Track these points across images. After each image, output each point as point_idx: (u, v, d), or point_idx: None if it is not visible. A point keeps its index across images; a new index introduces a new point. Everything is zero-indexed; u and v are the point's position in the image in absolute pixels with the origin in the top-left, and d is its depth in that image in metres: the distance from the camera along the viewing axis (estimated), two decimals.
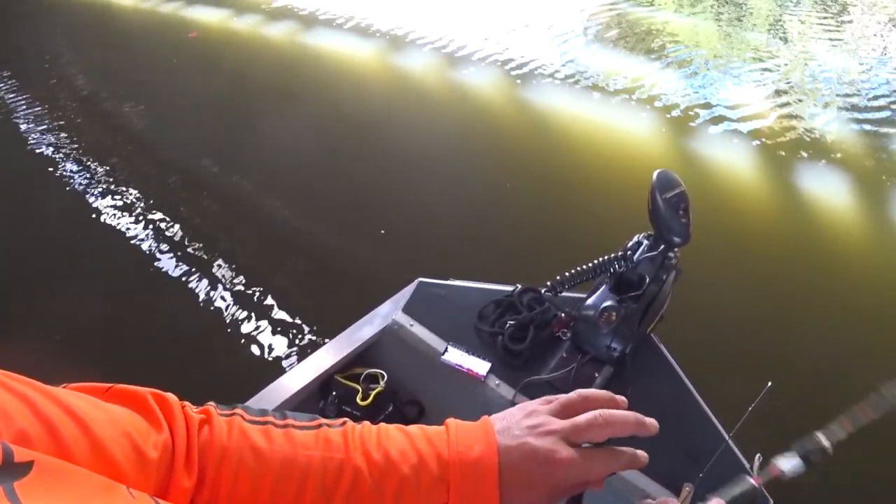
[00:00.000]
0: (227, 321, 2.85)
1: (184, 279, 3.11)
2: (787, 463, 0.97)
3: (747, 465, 1.18)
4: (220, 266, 3.18)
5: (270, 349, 2.70)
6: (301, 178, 3.97)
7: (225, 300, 2.97)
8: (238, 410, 0.55)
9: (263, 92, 5.16)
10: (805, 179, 3.64)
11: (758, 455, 1.20)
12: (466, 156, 4.04)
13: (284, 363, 2.64)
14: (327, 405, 1.28)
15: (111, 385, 0.48)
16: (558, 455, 0.51)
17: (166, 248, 3.33)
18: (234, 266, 3.18)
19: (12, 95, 5.34)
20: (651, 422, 0.55)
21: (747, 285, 2.89)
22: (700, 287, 2.56)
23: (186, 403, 0.53)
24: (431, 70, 5.22)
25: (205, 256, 3.26)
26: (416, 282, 1.48)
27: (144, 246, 3.36)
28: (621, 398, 0.56)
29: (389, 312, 1.43)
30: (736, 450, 1.18)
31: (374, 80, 5.26)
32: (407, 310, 1.40)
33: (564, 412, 0.55)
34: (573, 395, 0.56)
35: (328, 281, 3.13)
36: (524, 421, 0.55)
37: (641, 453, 0.54)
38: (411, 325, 1.38)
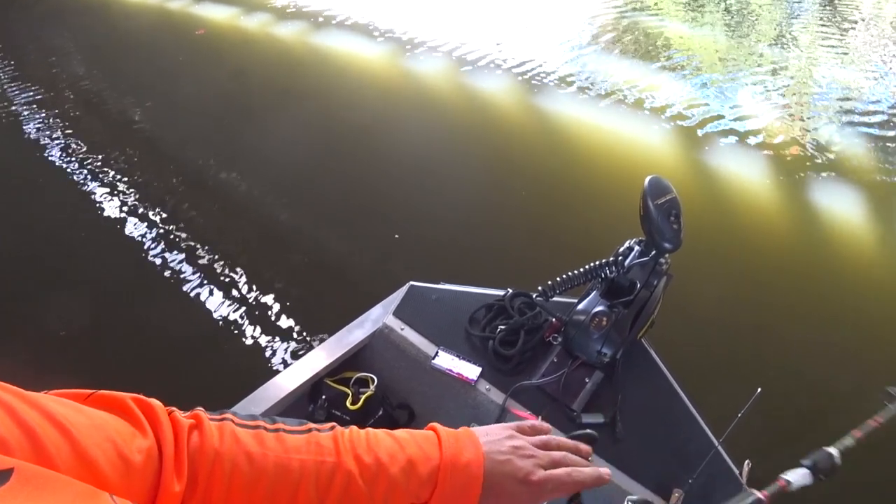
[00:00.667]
0: (225, 323, 2.84)
1: (184, 280, 3.09)
2: (794, 474, 0.97)
3: (736, 471, 1.19)
4: (220, 267, 3.17)
5: (264, 352, 2.68)
6: (305, 180, 3.96)
7: (223, 302, 2.95)
8: (228, 415, 0.55)
9: (270, 92, 5.13)
10: (806, 189, 3.65)
11: (747, 461, 1.20)
12: (468, 159, 4.03)
13: (276, 365, 2.62)
14: (317, 409, 1.27)
15: (93, 391, 0.48)
16: (535, 477, 0.57)
17: (167, 249, 3.31)
18: (233, 267, 3.16)
19: (15, 90, 5.30)
20: (605, 471, 0.60)
21: (742, 293, 2.89)
22: (694, 294, 2.56)
23: (174, 409, 0.53)
24: (440, 73, 5.23)
25: (206, 257, 3.24)
26: (407, 285, 1.47)
27: (145, 245, 3.35)
28: (585, 447, 0.64)
29: (380, 316, 1.42)
30: (725, 455, 1.18)
31: (383, 82, 5.26)
32: (398, 313, 1.40)
33: (544, 447, 0.61)
34: (549, 437, 0.63)
35: (329, 283, 3.12)
36: (507, 441, 0.60)
37: (604, 471, 0.60)
38: (402, 329, 1.37)
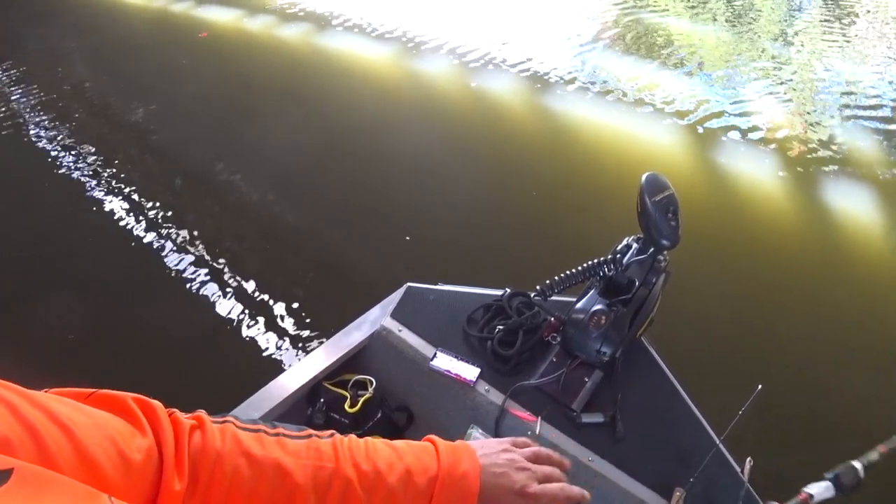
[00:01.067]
0: (224, 323, 2.84)
1: (184, 280, 3.10)
2: (817, 487, 0.95)
3: (738, 469, 1.18)
4: (220, 267, 3.17)
5: (264, 352, 2.68)
6: (305, 180, 3.96)
7: (223, 302, 2.95)
8: (230, 418, 0.56)
9: (273, 94, 5.12)
10: (810, 184, 3.62)
11: (748, 459, 1.20)
12: (469, 158, 4.01)
13: (276, 366, 2.62)
14: (315, 412, 1.26)
15: (94, 390, 0.48)
16: (530, 489, 0.60)
17: (167, 249, 3.31)
18: (232, 266, 3.17)
19: (18, 90, 5.30)
20: (587, 493, 0.65)
21: (744, 290, 2.88)
22: (695, 291, 2.55)
23: (175, 410, 0.54)
24: (440, 73, 5.20)
25: (206, 257, 3.25)
26: (404, 286, 1.47)
27: (145, 245, 3.35)
28: (567, 461, 0.68)
29: (378, 318, 1.41)
30: (726, 453, 1.18)
31: (383, 82, 5.24)
32: (395, 315, 1.39)
33: (535, 459, 0.64)
34: (539, 449, 0.66)
35: (329, 283, 3.11)
36: (503, 455, 0.62)
37: (587, 493, 0.63)
38: (400, 331, 1.36)
